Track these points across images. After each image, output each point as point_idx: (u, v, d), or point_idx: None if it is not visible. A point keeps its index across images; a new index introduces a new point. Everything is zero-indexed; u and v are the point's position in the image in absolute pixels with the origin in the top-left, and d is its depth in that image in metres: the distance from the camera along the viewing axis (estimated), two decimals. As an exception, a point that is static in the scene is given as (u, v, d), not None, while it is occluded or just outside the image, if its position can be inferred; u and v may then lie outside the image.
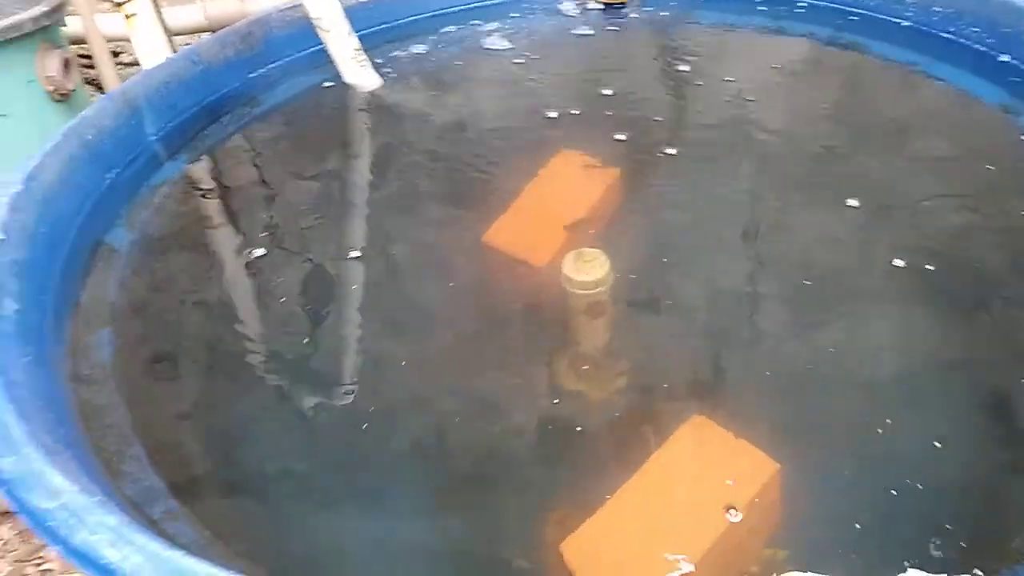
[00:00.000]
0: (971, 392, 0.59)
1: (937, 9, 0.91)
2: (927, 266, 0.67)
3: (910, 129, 0.86)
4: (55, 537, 0.39)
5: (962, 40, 0.89)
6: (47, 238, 0.68)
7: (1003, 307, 0.65)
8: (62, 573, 1.17)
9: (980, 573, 0.34)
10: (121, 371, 0.64)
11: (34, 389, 0.52)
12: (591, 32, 1.10)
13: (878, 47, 0.95)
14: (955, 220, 0.73)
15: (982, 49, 0.87)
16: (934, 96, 0.88)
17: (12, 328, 0.56)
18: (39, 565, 1.20)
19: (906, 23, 0.95)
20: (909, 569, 0.33)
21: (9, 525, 1.28)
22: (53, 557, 1.21)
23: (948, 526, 0.49)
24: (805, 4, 1.04)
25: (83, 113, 0.78)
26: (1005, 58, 0.84)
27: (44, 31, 1.06)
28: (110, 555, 0.37)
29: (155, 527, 0.49)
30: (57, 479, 0.41)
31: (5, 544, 1.24)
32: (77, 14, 1.17)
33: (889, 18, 0.96)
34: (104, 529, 0.38)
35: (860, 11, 0.99)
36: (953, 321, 0.64)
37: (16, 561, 1.21)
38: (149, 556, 0.37)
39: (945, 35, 0.91)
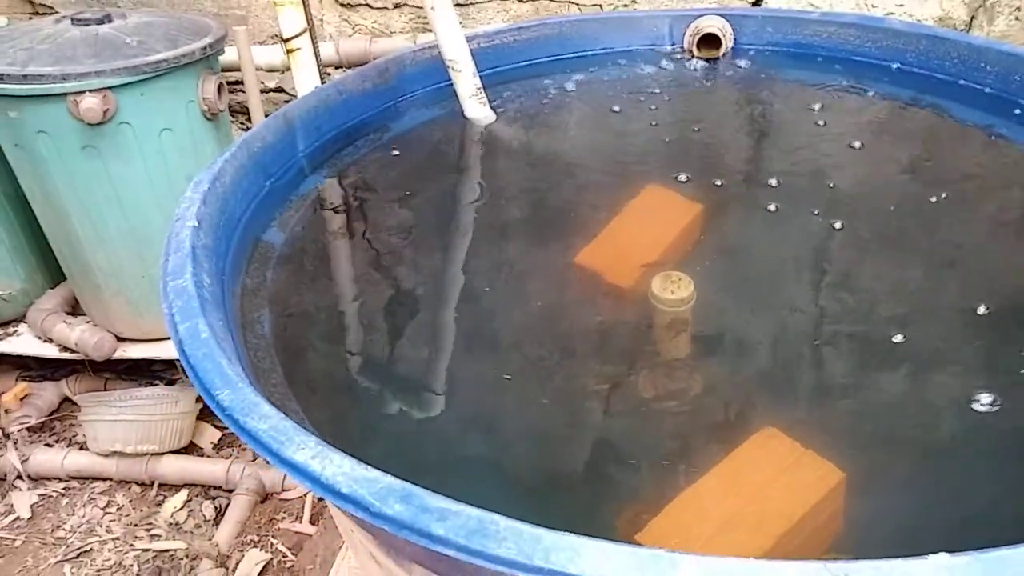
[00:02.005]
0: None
1: (1016, 77, 0.98)
2: (997, 308, 0.74)
3: (986, 187, 0.93)
4: (269, 451, 0.50)
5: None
6: (224, 231, 0.81)
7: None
8: (167, 538, 1.30)
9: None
10: (278, 343, 0.76)
11: (228, 345, 0.64)
12: (685, 82, 1.20)
13: (956, 110, 1.02)
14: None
15: (1058, 116, 0.93)
16: (1007, 157, 0.94)
17: (209, 297, 0.68)
18: (149, 529, 1.33)
19: (987, 89, 1.02)
20: (939, 553, 0.40)
21: (123, 493, 1.42)
22: (160, 524, 1.34)
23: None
24: (891, 68, 1.12)
25: (253, 129, 0.92)
26: (1079, 125, 0.90)
27: (207, 60, 1.22)
28: (314, 465, 0.48)
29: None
30: (266, 407, 0.52)
31: (120, 509, 1.38)
32: (233, 46, 1.33)
33: (969, 84, 1.04)
34: (307, 446, 0.49)
35: (941, 77, 1.06)
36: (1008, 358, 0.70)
37: (130, 524, 1.35)
38: (344, 468, 0.48)
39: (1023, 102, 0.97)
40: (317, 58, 1.03)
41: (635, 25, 1.25)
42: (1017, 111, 0.97)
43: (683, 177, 0.98)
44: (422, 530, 0.44)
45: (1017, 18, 1.37)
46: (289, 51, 0.99)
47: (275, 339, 0.76)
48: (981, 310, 0.73)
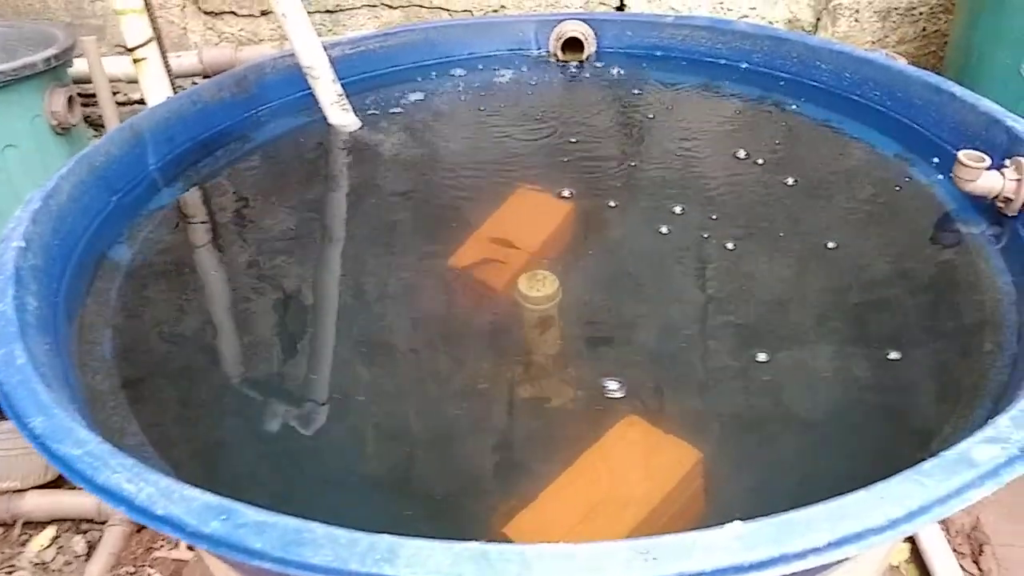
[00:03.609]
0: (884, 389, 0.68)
1: (847, 75, 1.05)
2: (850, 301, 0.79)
3: (829, 177, 0.99)
4: (83, 478, 0.48)
5: (865, 101, 1.03)
6: (59, 249, 0.77)
7: (896, 325, 0.76)
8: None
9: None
10: (121, 365, 0.73)
11: (53, 370, 0.61)
12: (550, 85, 1.23)
13: (798, 105, 1.09)
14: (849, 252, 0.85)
15: (881, 109, 1.01)
16: (843, 148, 1.01)
17: (34, 320, 0.64)
18: (11, 572, 1.25)
19: (823, 86, 1.09)
20: (734, 522, 0.42)
21: (-16, 536, 1.32)
22: (24, 564, 1.25)
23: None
24: (740, 67, 1.18)
25: (95, 142, 0.88)
26: (897, 116, 0.98)
27: (53, 71, 1.16)
28: (129, 488, 0.46)
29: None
30: (82, 432, 0.50)
31: (-20, 554, 1.28)
32: (84, 56, 1.27)
33: (808, 81, 1.10)
34: (122, 468, 0.47)
35: (784, 75, 1.13)
36: (853, 336, 0.75)
37: (-9, 569, 1.25)
38: (161, 489, 0.46)
39: (853, 97, 1.05)
40: (167, 67, 0.99)
41: (501, 30, 1.27)
42: (849, 106, 1.04)
43: (549, 178, 1.00)
44: (239, 545, 0.43)
45: (857, 19, 1.47)
46: (135, 61, 0.95)
47: (119, 361, 0.73)
48: (835, 307, 0.78)
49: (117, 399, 0.68)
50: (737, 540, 0.41)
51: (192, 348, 0.78)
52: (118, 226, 0.88)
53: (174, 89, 1.04)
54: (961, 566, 0.94)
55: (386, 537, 0.42)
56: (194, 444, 0.69)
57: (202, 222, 0.96)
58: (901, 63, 1.02)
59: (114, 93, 1.63)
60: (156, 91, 0.95)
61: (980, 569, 0.94)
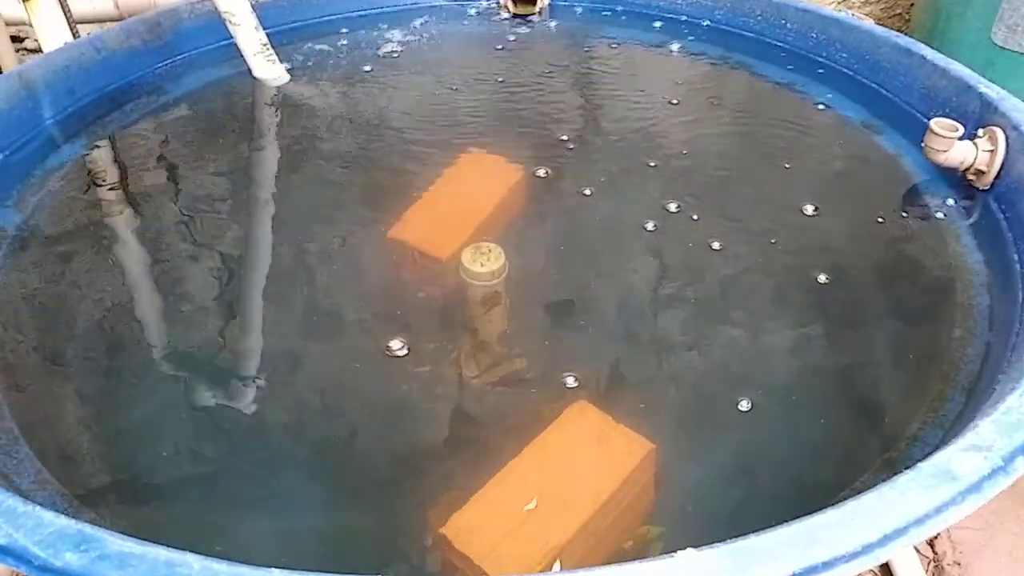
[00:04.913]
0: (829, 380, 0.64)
1: (813, 35, 0.99)
2: (794, 266, 0.73)
3: (792, 144, 0.93)
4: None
5: (831, 63, 0.97)
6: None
7: (860, 310, 0.71)
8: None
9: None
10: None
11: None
12: (500, 39, 1.14)
13: (762, 67, 1.02)
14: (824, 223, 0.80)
15: (848, 72, 0.95)
16: (807, 113, 0.95)
17: None
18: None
19: (789, 46, 1.03)
20: (686, 549, 0.36)
21: None
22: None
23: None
24: (702, 24, 1.10)
25: (-26, 93, 0.77)
26: (865, 80, 0.92)
27: (-61, 10, 1.03)
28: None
29: (22, 494, 0.49)
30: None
31: None
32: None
33: (772, 41, 1.04)
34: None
35: (748, 34, 1.06)
36: (812, 316, 0.69)
37: None
38: (4, 511, 0.38)
39: (819, 59, 0.99)
40: (66, 9, 0.88)
41: (448, -22, 1.18)
42: (819, 69, 0.98)
43: (499, 140, 0.92)
44: (98, 582, 0.36)
45: (823, -22, 1.41)
46: (25, 1, 0.84)
47: (-3, 341, 0.64)
48: (794, 287, 0.72)
49: (-12, 389, 0.59)
50: (686, 573, 0.35)
51: (84, 324, 0.69)
52: (4, 187, 0.78)
53: (76, 34, 0.93)
54: (916, 548, 0.92)
55: (274, 572, 0.35)
56: (84, 439, 0.60)
57: (107, 183, 0.86)
58: (869, 23, 0.96)
59: (22, 39, 1.49)
60: (52, 36, 0.84)
61: (935, 552, 0.92)
